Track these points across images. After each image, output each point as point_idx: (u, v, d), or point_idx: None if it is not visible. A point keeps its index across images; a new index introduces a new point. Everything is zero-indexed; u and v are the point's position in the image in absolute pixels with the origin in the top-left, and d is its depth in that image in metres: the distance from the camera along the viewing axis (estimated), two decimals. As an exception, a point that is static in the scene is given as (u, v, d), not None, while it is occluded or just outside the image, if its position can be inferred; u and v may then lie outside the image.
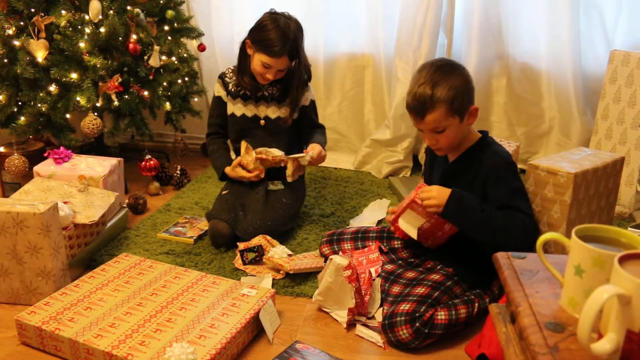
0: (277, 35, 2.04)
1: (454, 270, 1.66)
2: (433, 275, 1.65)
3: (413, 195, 1.66)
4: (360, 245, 1.91)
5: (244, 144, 2.17)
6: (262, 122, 2.25)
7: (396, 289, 1.68)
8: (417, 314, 1.50)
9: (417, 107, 1.59)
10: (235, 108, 2.26)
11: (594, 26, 2.72)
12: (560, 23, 2.69)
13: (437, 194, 1.58)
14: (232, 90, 2.26)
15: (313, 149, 2.13)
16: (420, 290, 1.58)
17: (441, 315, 1.52)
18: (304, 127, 2.32)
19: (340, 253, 1.77)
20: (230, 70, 2.29)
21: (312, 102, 2.32)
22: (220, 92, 2.29)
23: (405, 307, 1.52)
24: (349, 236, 1.94)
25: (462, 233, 1.66)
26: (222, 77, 2.30)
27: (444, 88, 1.55)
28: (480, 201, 1.59)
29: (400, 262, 1.80)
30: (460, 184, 1.65)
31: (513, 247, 1.55)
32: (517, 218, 1.56)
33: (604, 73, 2.51)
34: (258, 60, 2.10)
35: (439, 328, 1.51)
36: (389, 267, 1.77)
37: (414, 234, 1.69)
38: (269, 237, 2.06)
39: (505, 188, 1.60)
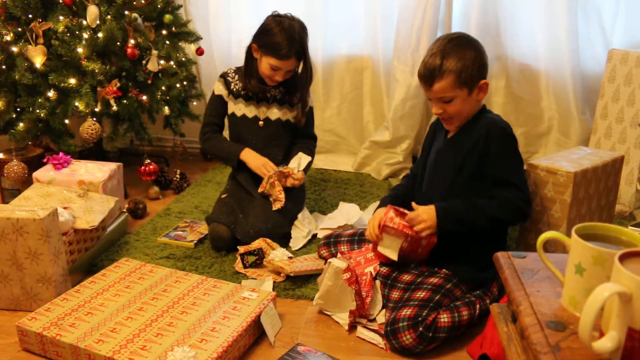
0: (284, 37, 2.05)
1: (450, 271, 1.65)
2: (432, 278, 1.64)
3: (383, 220, 1.69)
4: (356, 248, 1.90)
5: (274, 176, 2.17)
6: (261, 123, 2.25)
7: (395, 295, 1.66)
8: (420, 318, 1.49)
9: (427, 75, 1.63)
10: (236, 108, 2.27)
11: (592, 25, 2.72)
12: (558, 23, 2.69)
13: (426, 216, 1.62)
14: (235, 90, 2.26)
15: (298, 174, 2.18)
16: (421, 294, 1.57)
17: (444, 318, 1.52)
18: (299, 132, 2.33)
19: (339, 255, 1.77)
20: (232, 71, 2.29)
21: (311, 109, 2.34)
22: (221, 91, 2.28)
23: (407, 312, 1.51)
24: (346, 239, 1.93)
25: (449, 237, 1.66)
26: (224, 76, 2.29)
27: (454, 59, 1.59)
28: (464, 201, 1.63)
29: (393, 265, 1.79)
30: (457, 157, 1.67)
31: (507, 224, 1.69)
32: (510, 202, 1.60)
33: (603, 72, 2.52)
34: (266, 63, 2.11)
35: (442, 331, 1.50)
36: (383, 269, 1.74)
37: (394, 256, 1.70)
38: (269, 240, 2.06)
39: (504, 163, 1.62)
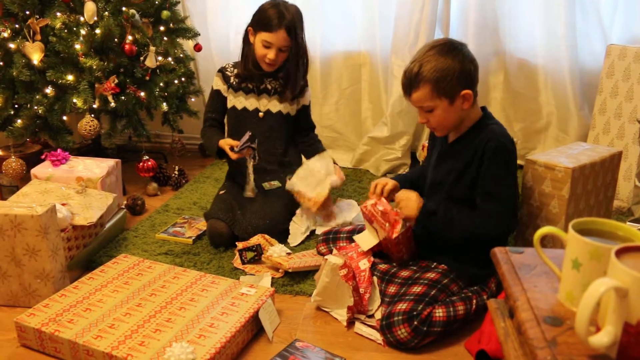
0: (274, 12, 2.10)
1: (448, 267, 1.66)
2: (429, 273, 1.64)
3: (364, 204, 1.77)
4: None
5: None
6: (261, 114, 2.26)
7: (392, 289, 1.67)
8: (415, 313, 1.49)
9: (405, 84, 1.62)
10: (236, 101, 2.28)
11: (591, 21, 2.72)
12: (556, 18, 2.69)
13: (413, 206, 1.66)
14: (234, 83, 2.27)
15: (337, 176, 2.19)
16: (417, 289, 1.58)
17: (439, 313, 1.52)
18: (300, 126, 2.33)
19: (334, 252, 1.77)
20: (230, 65, 2.31)
21: (309, 103, 2.35)
22: (220, 85, 2.30)
23: (402, 306, 1.51)
24: (345, 235, 1.93)
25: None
26: (222, 71, 2.31)
27: (431, 68, 1.55)
28: (447, 211, 1.63)
29: (393, 262, 1.79)
30: (457, 164, 1.65)
31: (483, 241, 1.57)
32: (486, 217, 1.58)
33: (601, 68, 2.51)
34: (259, 41, 2.14)
35: (437, 325, 1.51)
36: (383, 266, 1.75)
37: (365, 247, 1.79)
38: (267, 236, 2.06)
39: (492, 175, 1.58)
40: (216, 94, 2.31)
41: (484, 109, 1.70)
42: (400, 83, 1.65)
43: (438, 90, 1.56)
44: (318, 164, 2.20)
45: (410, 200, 1.66)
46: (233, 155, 2.11)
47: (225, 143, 2.15)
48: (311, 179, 2.17)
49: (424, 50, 1.60)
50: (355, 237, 1.83)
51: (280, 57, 2.16)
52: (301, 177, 2.18)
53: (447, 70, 1.55)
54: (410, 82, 1.59)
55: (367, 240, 1.80)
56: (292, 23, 2.11)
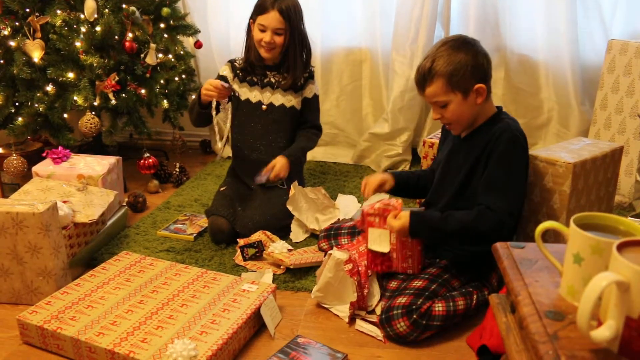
0: None
1: (450, 262, 1.65)
2: (430, 268, 1.65)
3: (365, 209, 1.70)
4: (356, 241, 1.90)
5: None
6: (264, 107, 2.27)
7: (393, 284, 1.67)
8: (414, 306, 1.50)
9: (419, 80, 1.62)
10: (240, 92, 2.30)
11: (592, 16, 2.71)
12: (557, 14, 2.68)
13: (401, 219, 1.59)
14: (240, 74, 2.30)
15: (276, 164, 2.16)
16: (417, 283, 1.58)
17: (439, 307, 1.52)
18: (302, 119, 2.34)
19: (335, 248, 1.77)
20: (240, 58, 2.34)
21: (315, 97, 2.35)
22: (227, 73, 2.32)
23: (402, 300, 1.52)
24: (346, 231, 1.94)
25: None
26: (232, 61, 2.35)
27: (444, 62, 1.55)
28: (440, 214, 1.59)
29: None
30: (468, 159, 1.63)
31: (479, 237, 1.55)
32: (488, 212, 1.52)
33: (602, 63, 2.51)
34: (256, 27, 2.17)
35: (436, 319, 1.51)
36: None
37: (386, 248, 1.67)
38: (268, 233, 2.06)
39: (499, 168, 1.56)
40: (220, 79, 2.31)
41: (499, 107, 1.69)
42: (414, 80, 1.65)
43: (452, 83, 1.56)
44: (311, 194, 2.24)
45: (401, 218, 1.61)
46: (204, 91, 2.08)
47: (211, 84, 2.09)
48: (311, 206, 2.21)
49: (436, 46, 1.60)
50: (371, 247, 1.71)
51: (276, 41, 2.17)
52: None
53: (460, 64, 1.55)
54: (424, 78, 1.59)
55: (380, 242, 1.70)
56: (286, 6, 2.14)
